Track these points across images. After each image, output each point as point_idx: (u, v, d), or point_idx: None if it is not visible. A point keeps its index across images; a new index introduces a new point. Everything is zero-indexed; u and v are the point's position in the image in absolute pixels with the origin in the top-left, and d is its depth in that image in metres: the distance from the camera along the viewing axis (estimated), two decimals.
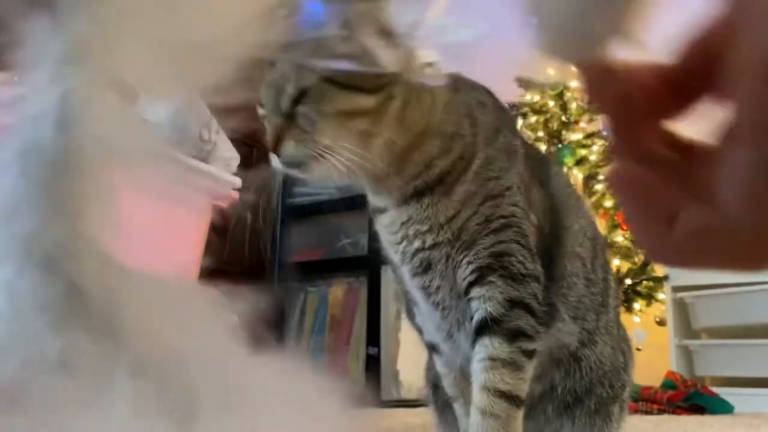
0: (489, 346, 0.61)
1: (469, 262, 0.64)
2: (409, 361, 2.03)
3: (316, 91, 0.60)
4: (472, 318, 0.64)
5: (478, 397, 0.61)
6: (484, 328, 0.62)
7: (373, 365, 2.03)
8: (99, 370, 0.36)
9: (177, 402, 0.37)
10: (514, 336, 0.61)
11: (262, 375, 0.42)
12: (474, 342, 0.63)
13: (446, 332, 0.69)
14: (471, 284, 0.64)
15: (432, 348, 0.75)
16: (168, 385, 0.37)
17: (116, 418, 0.35)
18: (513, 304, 0.62)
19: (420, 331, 0.77)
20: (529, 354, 0.62)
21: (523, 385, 0.61)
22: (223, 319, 0.42)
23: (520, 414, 0.61)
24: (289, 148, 0.62)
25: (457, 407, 0.73)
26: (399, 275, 0.74)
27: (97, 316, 0.37)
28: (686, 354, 2.58)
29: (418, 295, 0.71)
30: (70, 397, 0.36)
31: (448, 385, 0.74)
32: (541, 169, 0.74)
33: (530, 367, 0.62)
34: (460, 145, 0.66)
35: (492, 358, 0.61)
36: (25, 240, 0.37)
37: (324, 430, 0.43)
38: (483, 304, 0.63)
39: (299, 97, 0.61)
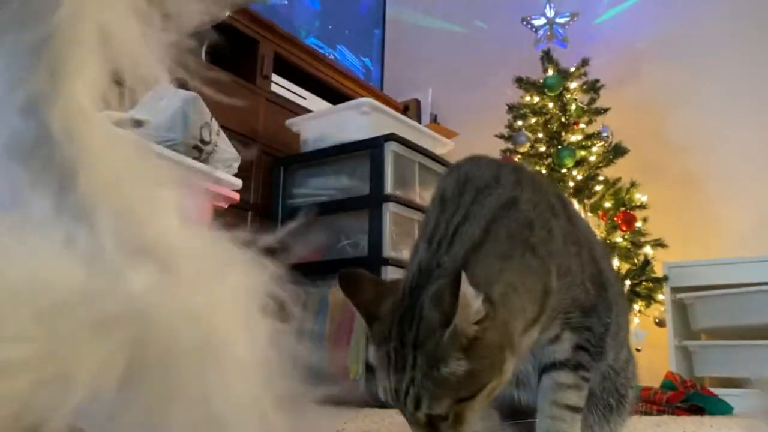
0: (560, 375, 0.74)
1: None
2: None
3: (453, 413, 0.62)
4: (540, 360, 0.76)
5: (548, 409, 0.73)
6: (553, 366, 0.75)
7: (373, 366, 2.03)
8: (44, 206, 0.41)
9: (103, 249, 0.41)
10: (576, 368, 0.74)
11: (193, 241, 0.46)
12: (542, 374, 0.75)
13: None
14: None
15: None
16: (99, 231, 0.41)
17: (45, 252, 0.39)
18: (576, 348, 0.75)
19: None
20: (586, 379, 0.76)
21: (582, 400, 0.75)
22: (171, 192, 0.46)
23: (579, 417, 0.74)
24: None
25: None
26: None
27: (60, 160, 0.42)
28: (685, 355, 2.58)
29: None
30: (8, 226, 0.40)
31: None
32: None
33: (587, 388, 0.76)
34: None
35: (562, 384, 0.74)
36: (9, 85, 0.42)
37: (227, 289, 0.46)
38: (554, 354, 0.75)
39: (436, 418, 0.62)
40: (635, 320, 2.77)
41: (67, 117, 0.42)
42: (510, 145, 3.03)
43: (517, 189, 0.73)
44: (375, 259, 2.10)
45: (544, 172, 2.87)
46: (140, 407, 0.40)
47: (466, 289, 0.59)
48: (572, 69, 3.04)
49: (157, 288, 0.41)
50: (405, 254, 2.18)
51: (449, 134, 3.10)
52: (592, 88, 3.02)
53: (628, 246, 2.79)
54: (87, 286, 0.39)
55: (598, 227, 2.83)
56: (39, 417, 0.36)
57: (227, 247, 0.48)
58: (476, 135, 3.25)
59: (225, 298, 0.46)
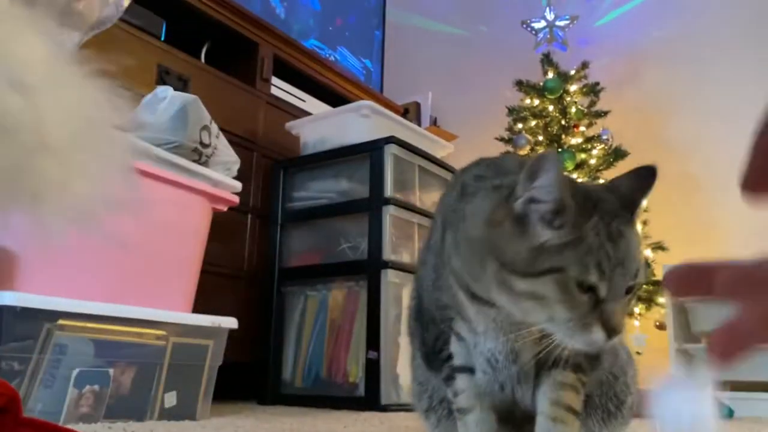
0: (559, 374, 0.76)
1: None
2: (408, 366, 2.03)
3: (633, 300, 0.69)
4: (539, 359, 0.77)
5: (549, 409, 0.75)
6: (554, 363, 0.76)
7: (372, 369, 2.03)
8: None
9: None
10: (576, 369, 0.76)
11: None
12: (541, 373, 0.77)
13: (508, 374, 0.79)
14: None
15: (462, 370, 0.82)
16: None
17: None
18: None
19: (447, 355, 0.83)
20: (584, 383, 0.78)
21: (580, 403, 0.77)
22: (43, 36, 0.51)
23: (579, 422, 0.76)
24: (622, 328, 0.66)
25: (471, 417, 0.80)
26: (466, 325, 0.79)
27: None
28: (686, 358, 2.58)
29: (494, 349, 0.78)
30: None
31: (466, 398, 0.81)
32: None
33: (584, 392, 0.78)
34: None
35: (562, 383, 0.76)
36: None
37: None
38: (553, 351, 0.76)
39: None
40: (635, 323, 2.76)
41: None
42: (510, 148, 3.03)
43: None
44: (375, 262, 2.09)
45: None
46: None
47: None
48: (572, 72, 3.04)
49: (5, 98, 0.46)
50: (405, 257, 2.18)
51: (449, 137, 3.10)
52: (592, 90, 3.02)
53: None
54: None
55: None
56: None
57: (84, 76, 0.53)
58: (476, 138, 3.25)
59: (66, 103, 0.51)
